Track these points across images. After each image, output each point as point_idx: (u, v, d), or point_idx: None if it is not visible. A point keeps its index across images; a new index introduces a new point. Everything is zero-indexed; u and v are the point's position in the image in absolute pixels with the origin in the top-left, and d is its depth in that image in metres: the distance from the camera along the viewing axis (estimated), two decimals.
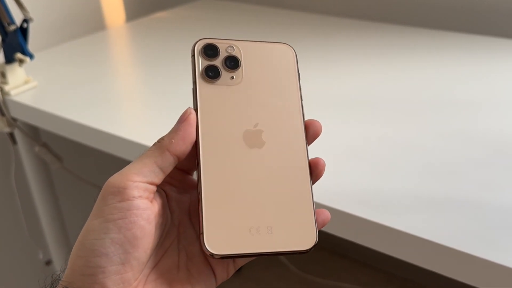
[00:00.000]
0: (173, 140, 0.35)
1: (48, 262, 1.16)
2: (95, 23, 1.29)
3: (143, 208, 0.33)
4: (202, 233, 0.33)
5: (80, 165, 1.10)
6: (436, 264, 0.53)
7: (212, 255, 0.33)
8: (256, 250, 0.34)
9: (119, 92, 0.92)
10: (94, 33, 1.19)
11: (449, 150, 0.67)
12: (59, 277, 0.34)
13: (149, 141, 0.71)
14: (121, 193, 0.33)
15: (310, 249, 0.35)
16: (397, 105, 0.80)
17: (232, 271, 0.38)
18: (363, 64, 0.95)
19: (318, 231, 0.36)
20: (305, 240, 0.35)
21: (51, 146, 0.95)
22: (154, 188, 0.35)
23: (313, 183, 0.37)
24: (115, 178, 0.34)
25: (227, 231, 0.34)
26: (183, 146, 0.35)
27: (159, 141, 0.36)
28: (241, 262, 0.38)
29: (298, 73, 0.40)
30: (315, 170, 0.38)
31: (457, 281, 0.53)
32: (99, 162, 1.16)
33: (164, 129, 0.75)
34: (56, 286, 0.33)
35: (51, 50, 1.08)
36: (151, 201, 0.34)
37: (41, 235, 1.09)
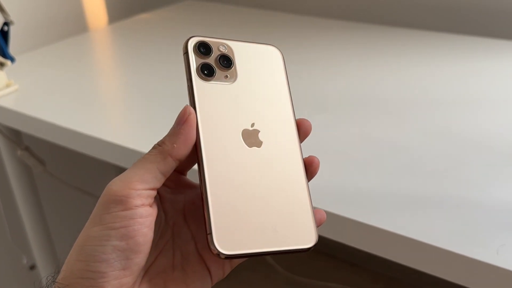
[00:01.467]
0: (175, 145, 0.34)
1: (32, 267, 1.14)
2: (77, 25, 1.28)
3: (146, 216, 0.33)
4: (211, 233, 0.33)
5: (63, 169, 1.09)
6: (420, 263, 0.53)
7: (220, 254, 0.33)
8: (263, 249, 0.34)
9: (102, 95, 0.91)
10: (76, 36, 1.18)
11: (431, 149, 0.67)
12: (53, 278, 0.34)
13: (133, 144, 0.70)
14: (123, 202, 0.32)
15: (312, 247, 0.36)
16: (379, 105, 0.80)
17: (228, 270, 0.38)
18: (345, 64, 0.96)
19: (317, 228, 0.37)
20: (307, 238, 0.36)
21: (34, 150, 0.94)
22: (155, 193, 0.34)
23: (308, 181, 0.38)
24: (117, 185, 0.33)
25: (235, 231, 0.34)
26: (185, 150, 0.34)
27: (160, 145, 0.35)
28: (237, 260, 0.37)
29: (286, 74, 0.40)
30: (309, 168, 0.38)
31: (443, 279, 0.53)
32: (82, 166, 1.15)
33: (148, 131, 0.75)
34: None
35: (32, 53, 1.07)
36: (151, 206, 0.34)
37: (25, 239, 1.08)
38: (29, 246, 1.08)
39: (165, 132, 0.76)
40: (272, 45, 0.41)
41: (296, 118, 0.39)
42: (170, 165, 0.34)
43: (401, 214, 0.56)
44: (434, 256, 0.51)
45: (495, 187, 0.59)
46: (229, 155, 0.36)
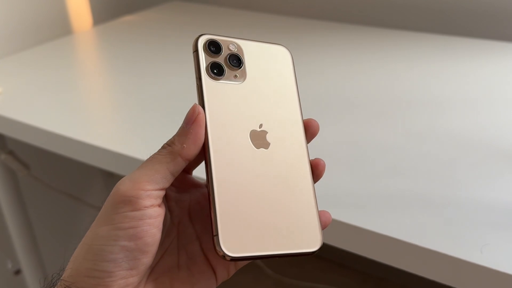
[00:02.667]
0: (185, 145, 0.34)
1: (17, 272, 1.13)
2: (61, 28, 1.27)
3: (155, 217, 0.33)
4: (217, 235, 0.33)
5: (48, 173, 1.08)
6: (405, 263, 0.53)
7: (225, 256, 0.33)
8: (268, 251, 0.34)
9: (87, 98, 0.91)
10: (61, 38, 1.17)
11: (415, 149, 0.67)
12: (59, 276, 0.33)
13: (118, 147, 0.70)
14: (133, 203, 0.32)
15: (317, 250, 0.36)
16: (364, 106, 0.80)
17: (233, 271, 0.38)
18: (331, 65, 0.96)
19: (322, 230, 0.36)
20: (312, 241, 0.36)
21: (18, 154, 0.93)
22: (164, 193, 0.34)
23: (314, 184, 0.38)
24: (126, 186, 0.32)
25: (241, 233, 0.34)
26: (195, 150, 0.34)
27: (169, 145, 0.34)
28: (243, 262, 0.37)
29: (295, 75, 0.40)
30: (315, 171, 0.38)
31: (431, 280, 0.53)
32: (67, 169, 1.14)
33: (134, 134, 0.74)
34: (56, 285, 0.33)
35: (16, 56, 1.06)
36: (160, 206, 0.34)
37: (9, 243, 1.07)
38: (14, 250, 1.07)
39: (151, 136, 0.76)
40: (282, 45, 0.40)
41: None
42: (180, 165, 0.34)
43: (386, 215, 0.56)
44: (419, 256, 0.52)
45: (479, 187, 0.59)
46: (237, 156, 0.35)
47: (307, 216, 0.36)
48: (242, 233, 0.34)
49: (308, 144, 0.39)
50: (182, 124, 0.35)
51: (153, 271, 0.35)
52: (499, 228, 0.53)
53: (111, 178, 1.29)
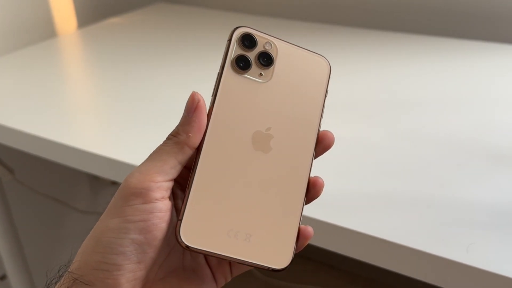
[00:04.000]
0: (190, 134, 0.34)
1: (3, 277, 1.12)
2: (45, 31, 1.25)
3: (165, 210, 0.33)
4: (181, 220, 0.33)
5: (33, 177, 1.07)
6: (392, 263, 0.53)
7: (188, 246, 0.32)
8: (228, 254, 0.33)
9: (72, 101, 0.90)
10: (45, 41, 1.16)
11: (401, 150, 0.67)
12: (66, 267, 0.33)
13: (104, 151, 0.69)
14: (143, 195, 0.32)
15: (283, 269, 0.34)
16: (350, 106, 0.80)
17: (229, 277, 0.38)
18: None
19: (295, 251, 0.35)
20: (280, 258, 0.34)
21: (2, 158, 0.92)
22: (172, 184, 0.34)
23: (307, 203, 0.36)
24: (137, 178, 0.33)
25: (205, 225, 0.33)
26: (200, 138, 0.34)
27: (174, 135, 0.34)
28: (237, 270, 0.37)
29: (327, 90, 0.38)
30: (312, 189, 0.36)
31: (418, 279, 0.53)
32: (53, 173, 1.13)
33: (120, 138, 0.73)
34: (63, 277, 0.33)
35: (0, 60, 1.04)
36: (169, 199, 0.34)
37: None
38: None
39: (137, 139, 0.75)
40: (323, 57, 0.39)
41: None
42: (187, 154, 0.34)
43: (374, 216, 0.56)
44: (406, 256, 0.52)
45: (465, 187, 0.59)
46: (229, 151, 0.34)
47: (284, 232, 0.35)
48: (206, 226, 0.33)
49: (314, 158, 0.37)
50: (183, 113, 0.34)
51: (160, 269, 0.35)
52: (485, 227, 0.53)
53: (97, 182, 1.28)
